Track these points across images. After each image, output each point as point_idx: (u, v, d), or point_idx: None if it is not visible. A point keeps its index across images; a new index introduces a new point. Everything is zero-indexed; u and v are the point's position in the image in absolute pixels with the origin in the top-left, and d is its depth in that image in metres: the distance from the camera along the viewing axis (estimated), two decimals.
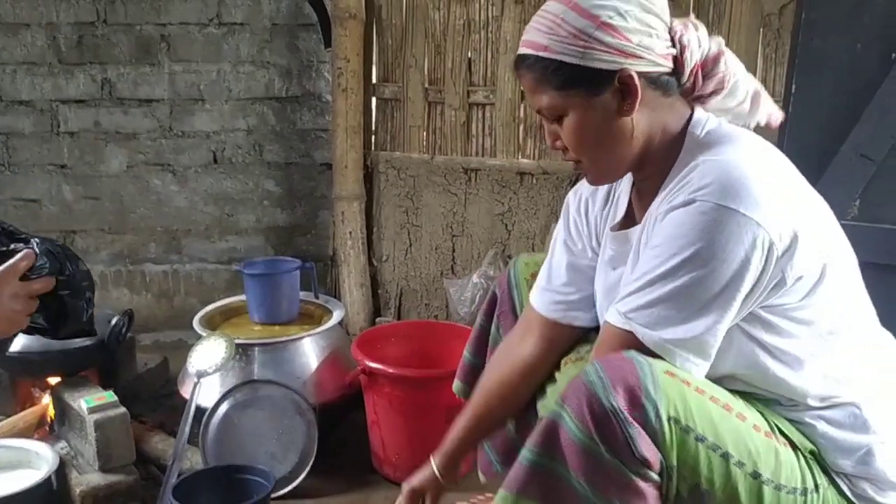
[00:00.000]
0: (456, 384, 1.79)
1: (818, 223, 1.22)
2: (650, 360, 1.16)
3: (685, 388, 1.16)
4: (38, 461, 1.88)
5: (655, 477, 1.16)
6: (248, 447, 1.93)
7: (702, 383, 1.19)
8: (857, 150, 1.81)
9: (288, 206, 2.96)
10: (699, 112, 1.27)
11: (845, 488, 1.25)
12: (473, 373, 1.75)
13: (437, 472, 1.52)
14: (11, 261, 1.30)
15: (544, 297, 1.51)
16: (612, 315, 1.25)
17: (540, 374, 1.51)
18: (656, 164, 1.27)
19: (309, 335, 2.13)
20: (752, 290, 1.16)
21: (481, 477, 1.76)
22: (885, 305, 1.33)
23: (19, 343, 2.02)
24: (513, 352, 1.53)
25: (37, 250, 1.32)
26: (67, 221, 2.93)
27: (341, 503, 1.94)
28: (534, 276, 1.63)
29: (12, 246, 1.35)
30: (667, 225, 1.18)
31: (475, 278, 2.54)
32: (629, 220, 1.37)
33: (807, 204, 1.22)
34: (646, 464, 1.14)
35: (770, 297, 1.19)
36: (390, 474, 2.01)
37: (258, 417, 1.96)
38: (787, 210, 1.15)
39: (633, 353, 1.17)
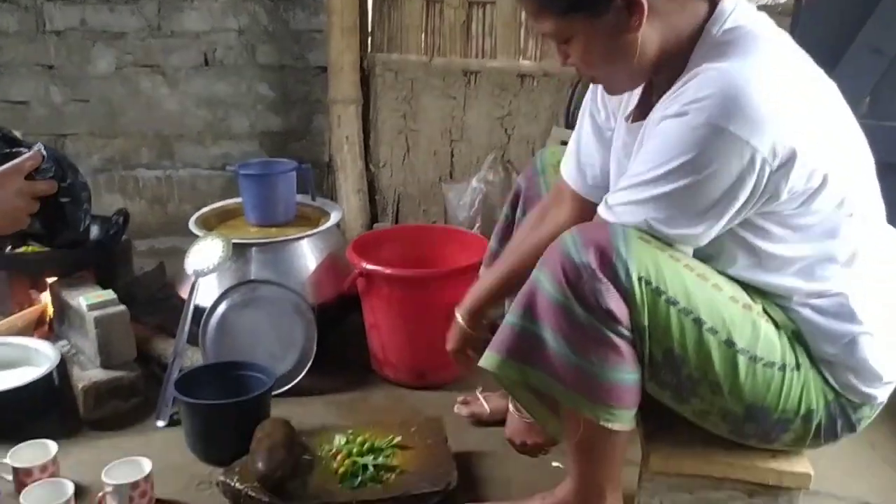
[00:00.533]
0: (482, 272, 1.79)
1: (826, 132, 1.17)
2: (626, 227, 1.16)
3: (658, 253, 1.17)
4: (38, 358, 1.89)
5: (626, 332, 1.18)
6: (248, 346, 1.94)
7: (677, 252, 1.19)
8: (869, 44, 1.76)
9: (282, 110, 2.90)
10: (726, 3, 1.20)
11: (829, 376, 1.25)
12: None
13: (463, 324, 1.53)
14: (18, 159, 1.32)
15: (573, 169, 1.51)
16: (602, 205, 1.25)
17: None
18: (671, 66, 1.22)
19: (306, 236, 2.11)
20: (742, 205, 1.15)
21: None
22: (894, 205, 1.31)
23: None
24: (547, 215, 1.55)
25: (43, 153, 1.33)
26: (57, 125, 2.86)
27: (341, 401, 1.95)
28: (560, 162, 1.62)
29: (16, 150, 1.35)
30: (659, 132, 1.16)
31: (474, 183, 2.52)
32: (644, 109, 1.33)
33: (814, 114, 1.17)
34: (614, 318, 1.16)
35: (763, 207, 1.17)
36: (391, 376, 2.03)
37: (257, 317, 1.96)
38: (785, 127, 1.11)
39: (611, 222, 1.18)
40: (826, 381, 1.25)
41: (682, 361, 1.19)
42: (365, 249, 2.05)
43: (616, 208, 1.20)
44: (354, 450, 1.60)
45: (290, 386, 1.93)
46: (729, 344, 1.18)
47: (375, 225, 2.82)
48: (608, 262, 1.14)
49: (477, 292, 1.56)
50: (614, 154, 1.41)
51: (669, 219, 1.16)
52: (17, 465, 1.52)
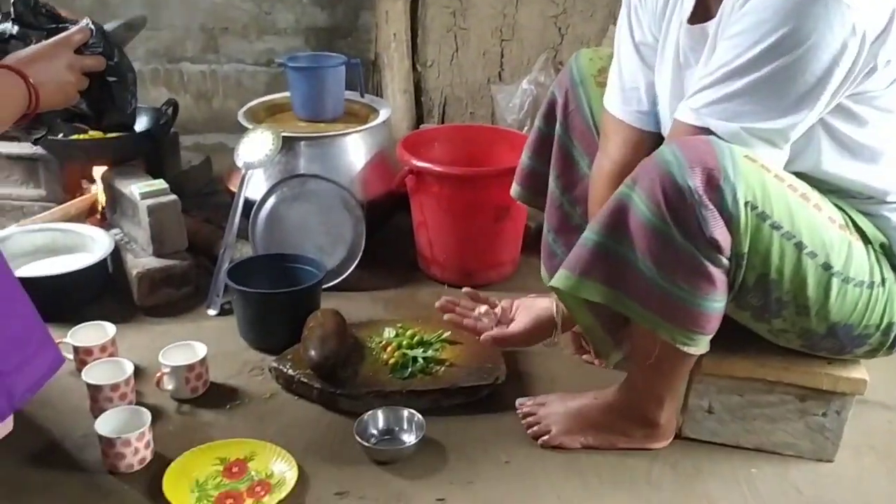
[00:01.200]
0: (514, 188, 1.76)
1: None
2: (731, 144, 1.11)
3: (765, 173, 1.12)
4: (93, 245, 1.92)
5: (725, 262, 1.14)
6: (297, 240, 1.95)
7: (780, 171, 1.15)
8: None
9: (328, 5, 2.82)
10: None
11: None
12: (532, 177, 1.72)
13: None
14: (67, 32, 1.29)
15: (616, 97, 1.43)
16: (682, 111, 1.19)
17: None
18: None
19: (356, 131, 2.08)
20: (843, 80, 1.09)
21: (546, 278, 1.76)
22: None
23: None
24: (601, 165, 1.48)
25: (91, 27, 1.30)
26: (101, 15, 2.79)
27: (388, 297, 1.97)
28: (601, 71, 1.55)
29: (62, 25, 1.33)
30: (748, 11, 1.09)
31: (524, 85, 2.45)
32: (703, 12, 1.26)
33: None
34: (716, 247, 1.12)
35: (857, 86, 1.12)
36: (437, 275, 2.03)
37: (306, 211, 1.96)
38: None
39: (713, 137, 1.12)
40: None
41: (775, 286, 1.16)
42: (415, 147, 2.03)
43: (702, 111, 1.13)
44: (404, 342, 1.62)
45: (338, 281, 1.95)
46: (826, 267, 1.15)
47: (422, 126, 2.77)
48: (715, 186, 1.08)
49: None
50: (665, 67, 1.33)
51: (767, 110, 1.10)
52: (77, 343, 1.57)
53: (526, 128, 2.37)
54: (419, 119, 2.80)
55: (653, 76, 1.39)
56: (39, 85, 1.15)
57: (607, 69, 1.54)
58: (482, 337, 1.48)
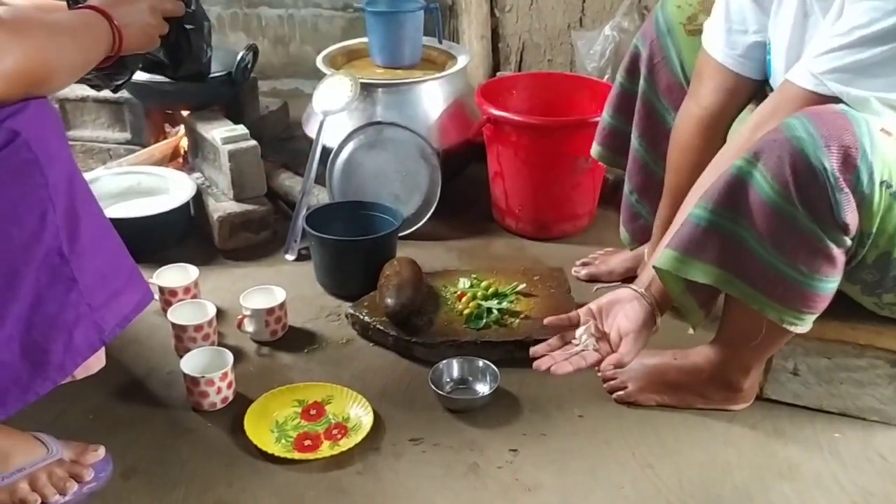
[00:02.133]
0: (594, 148, 1.71)
1: None
2: (866, 115, 1.03)
3: None
4: (175, 188, 1.97)
5: (849, 242, 1.08)
6: (373, 187, 1.95)
7: None
8: None
9: None
10: None
11: None
12: (613, 136, 1.67)
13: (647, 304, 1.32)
14: None
15: (719, 39, 1.35)
16: (800, 75, 1.10)
17: (721, 129, 1.38)
18: None
19: (433, 79, 2.06)
20: None
21: (629, 244, 1.71)
22: None
23: (149, 74, 2.03)
24: (688, 110, 1.41)
25: None
26: None
27: (463, 247, 1.96)
28: (690, 19, 1.47)
29: None
30: None
31: (607, 31, 2.36)
32: None
33: None
34: (845, 230, 1.06)
35: None
36: (512, 226, 2.01)
37: (383, 159, 1.96)
38: None
39: (846, 108, 1.04)
40: None
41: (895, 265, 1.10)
42: (492, 95, 1.99)
43: (827, 77, 1.05)
44: (479, 293, 1.61)
45: (413, 229, 1.95)
46: None
47: (498, 73, 2.72)
48: (852, 167, 1.01)
49: (658, 234, 1.47)
50: (786, 12, 1.24)
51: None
52: (163, 284, 1.62)
53: (607, 76, 2.29)
54: (496, 66, 2.75)
55: (766, 20, 1.30)
56: (123, 27, 1.16)
57: (697, 16, 1.46)
58: (603, 367, 1.29)
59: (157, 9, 1.25)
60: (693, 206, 1.17)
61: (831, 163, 1.02)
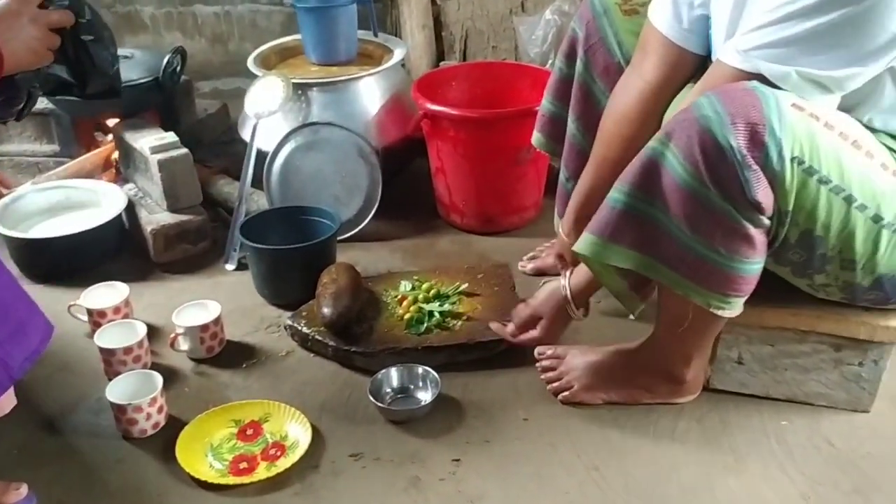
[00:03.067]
0: (535, 136, 1.68)
1: None
2: (776, 91, 1.01)
3: (813, 123, 1.02)
4: (106, 201, 1.90)
5: (767, 222, 1.06)
6: (312, 190, 1.90)
7: (831, 116, 1.05)
8: None
9: None
10: None
11: None
12: (553, 123, 1.63)
13: (564, 237, 1.46)
14: None
15: (666, 12, 1.32)
16: (728, 53, 1.08)
17: (662, 103, 1.35)
18: None
19: (369, 74, 2.00)
20: None
21: (558, 224, 1.69)
22: None
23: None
24: (629, 82, 1.37)
25: None
26: None
27: (407, 246, 1.92)
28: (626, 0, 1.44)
29: None
30: None
31: (548, 15, 2.31)
32: None
33: None
34: (759, 209, 1.04)
35: None
36: (458, 222, 1.97)
37: (320, 160, 1.90)
38: None
39: (756, 84, 1.02)
40: None
41: (820, 242, 1.08)
42: (430, 89, 1.94)
43: (753, 53, 1.03)
44: (420, 296, 1.57)
45: (355, 231, 1.90)
46: (876, 219, 1.06)
47: (442, 63, 2.67)
48: (760, 143, 0.99)
49: (575, 203, 1.45)
50: None
51: (828, 60, 0.99)
52: (90, 306, 1.55)
53: (550, 61, 2.25)
54: (440, 55, 2.69)
55: None
56: (3, 42, 1.08)
57: None
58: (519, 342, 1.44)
59: (41, 21, 1.17)
60: (612, 188, 1.15)
61: (738, 140, 1.00)
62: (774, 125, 0.99)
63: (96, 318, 1.55)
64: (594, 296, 1.38)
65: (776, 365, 1.35)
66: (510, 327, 1.44)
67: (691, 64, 1.33)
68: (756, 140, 1.00)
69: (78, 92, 1.32)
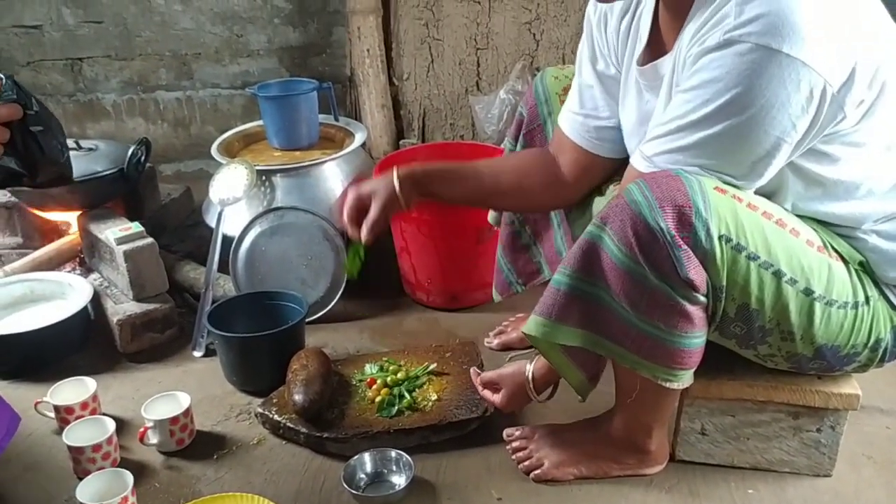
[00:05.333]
0: (491, 214, 1.74)
1: (880, 38, 1.07)
2: (699, 177, 1.08)
3: (737, 204, 1.09)
4: (72, 293, 1.90)
5: (702, 299, 1.12)
6: (279, 273, 1.92)
7: (753, 198, 1.12)
8: None
9: (300, 23, 2.79)
10: None
11: (893, 299, 1.21)
12: None
13: (397, 181, 1.38)
14: None
15: (574, 121, 1.41)
16: (636, 159, 1.16)
17: (565, 196, 1.45)
18: None
19: (331, 159, 2.05)
20: (804, 135, 1.06)
21: (496, 296, 1.75)
22: None
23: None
24: (549, 160, 1.45)
25: (2, 76, 1.24)
26: (72, 48, 2.79)
27: (376, 326, 1.94)
28: (566, 90, 1.52)
29: None
30: (700, 69, 1.05)
31: (502, 94, 2.41)
32: (656, 47, 1.23)
33: (864, 19, 1.06)
34: (692, 286, 1.09)
35: (827, 131, 1.08)
36: (423, 299, 2.01)
37: (286, 244, 1.94)
38: (843, 41, 1.01)
39: (680, 170, 1.09)
40: (891, 304, 1.21)
41: (757, 315, 1.13)
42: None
43: (656, 159, 1.11)
44: (389, 379, 1.59)
45: (323, 312, 1.92)
46: (807, 292, 1.12)
47: (402, 141, 2.74)
48: (687, 224, 1.05)
49: (430, 166, 1.46)
50: (628, 106, 1.31)
51: (723, 164, 1.07)
52: (58, 402, 1.54)
53: (505, 141, 2.33)
54: (399, 133, 2.77)
55: (616, 106, 1.36)
56: None
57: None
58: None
59: None
60: (556, 272, 1.21)
61: (667, 222, 1.06)
62: (700, 207, 1.06)
63: (64, 415, 1.53)
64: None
65: (739, 435, 1.39)
66: (483, 375, 1.52)
67: (604, 167, 1.42)
68: (684, 221, 1.06)
69: (28, 182, 1.32)
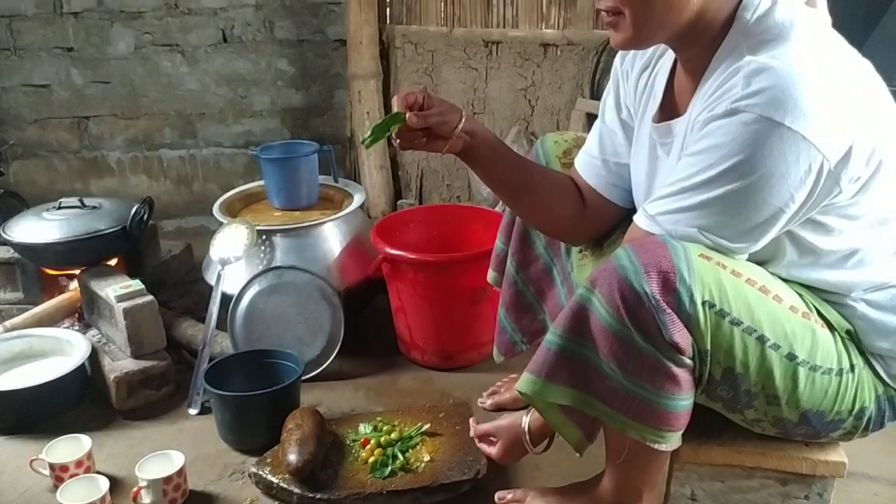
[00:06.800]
0: (490, 274, 1.76)
1: (874, 114, 1.12)
2: (685, 243, 1.12)
3: (720, 271, 1.12)
4: (70, 349, 1.92)
5: (688, 362, 1.14)
6: (276, 332, 1.94)
7: (738, 265, 1.15)
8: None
9: (302, 86, 2.87)
10: None
11: (880, 369, 1.24)
12: (505, 261, 1.72)
13: (464, 119, 1.35)
14: None
15: (592, 164, 1.46)
16: (639, 217, 1.20)
17: (578, 230, 1.49)
18: (702, 44, 1.17)
19: (330, 220, 2.10)
20: (800, 206, 1.10)
21: (497, 356, 1.77)
22: None
23: (44, 234, 2.01)
24: (567, 185, 1.48)
25: None
26: (79, 107, 2.86)
27: (370, 384, 1.96)
28: (566, 153, 1.57)
29: None
30: (707, 134, 1.10)
31: None
32: (670, 106, 1.29)
33: (862, 98, 1.11)
34: (678, 349, 1.12)
35: (823, 203, 1.12)
36: (418, 358, 2.03)
37: (284, 303, 1.96)
38: (841, 119, 1.06)
39: (667, 237, 1.13)
40: (877, 374, 1.23)
41: (742, 378, 1.16)
42: (389, 232, 2.04)
43: (659, 218, 1.15)
44: (383, 439, 1.60)
45: (318, 371, 1.94)
46: (790, 357, 1.15)
47: (399, 202, 2.79)
48: (671, 289, 1.09)
49: (486, 133, 1.42)
50: (639, 159, 1.36)
51: (721, 226, 1.11)
52: (53, 460, 1.55)
53: (500, 204, 2.38)
54: (397, 194, 2.83)
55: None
56: None
57: (571, 151, 1.56)
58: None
59: None
60: (547, 332, 1.23)
61: (651, 287, 1.09)
62: (684, 273, 1.09)
63: (58, 473, 1.54)
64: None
65: (728, 500, 1.39)
66: (480, 426, 1.54)
67: (610, 213, 1.46)
68: (668, 287, 1.09)
69: None
